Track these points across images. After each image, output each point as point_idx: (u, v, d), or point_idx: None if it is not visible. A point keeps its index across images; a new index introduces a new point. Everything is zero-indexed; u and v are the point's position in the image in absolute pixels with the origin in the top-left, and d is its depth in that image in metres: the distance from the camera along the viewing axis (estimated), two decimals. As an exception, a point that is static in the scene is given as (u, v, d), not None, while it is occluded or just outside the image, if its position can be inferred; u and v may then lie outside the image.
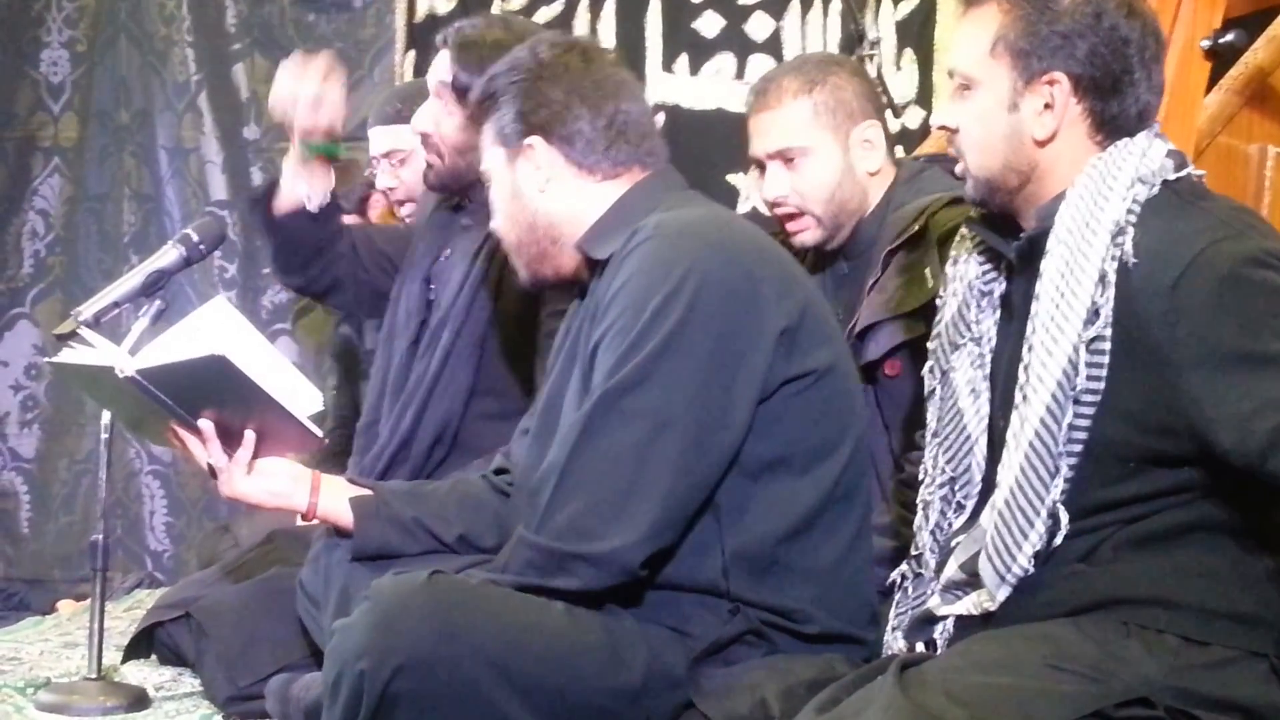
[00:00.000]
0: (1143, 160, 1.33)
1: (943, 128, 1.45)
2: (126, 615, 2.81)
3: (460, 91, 1.96)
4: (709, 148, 3.38)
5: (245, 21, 3.54)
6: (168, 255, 1.94)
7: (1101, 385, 1.28)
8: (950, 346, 1.47)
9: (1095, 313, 1.28)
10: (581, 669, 1.41)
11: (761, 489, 1.49)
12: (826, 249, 2.08)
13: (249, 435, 1.70)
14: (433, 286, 2.11)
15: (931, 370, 1.50)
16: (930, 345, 1.51)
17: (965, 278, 1.47)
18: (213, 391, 1.65)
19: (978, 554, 1.35)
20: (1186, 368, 1.25)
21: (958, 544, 1.41)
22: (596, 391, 1.45)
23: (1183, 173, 1.35)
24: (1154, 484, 1.29)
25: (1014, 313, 1.41)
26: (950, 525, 1.45)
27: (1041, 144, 1.36)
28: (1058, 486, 1.30)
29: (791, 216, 2.03)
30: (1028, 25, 1.35)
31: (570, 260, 1.63)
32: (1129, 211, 1.30)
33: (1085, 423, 1.29)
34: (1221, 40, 2.27)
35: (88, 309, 1.91)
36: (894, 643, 1.46)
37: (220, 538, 2.68)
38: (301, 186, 2.08)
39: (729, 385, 1.44)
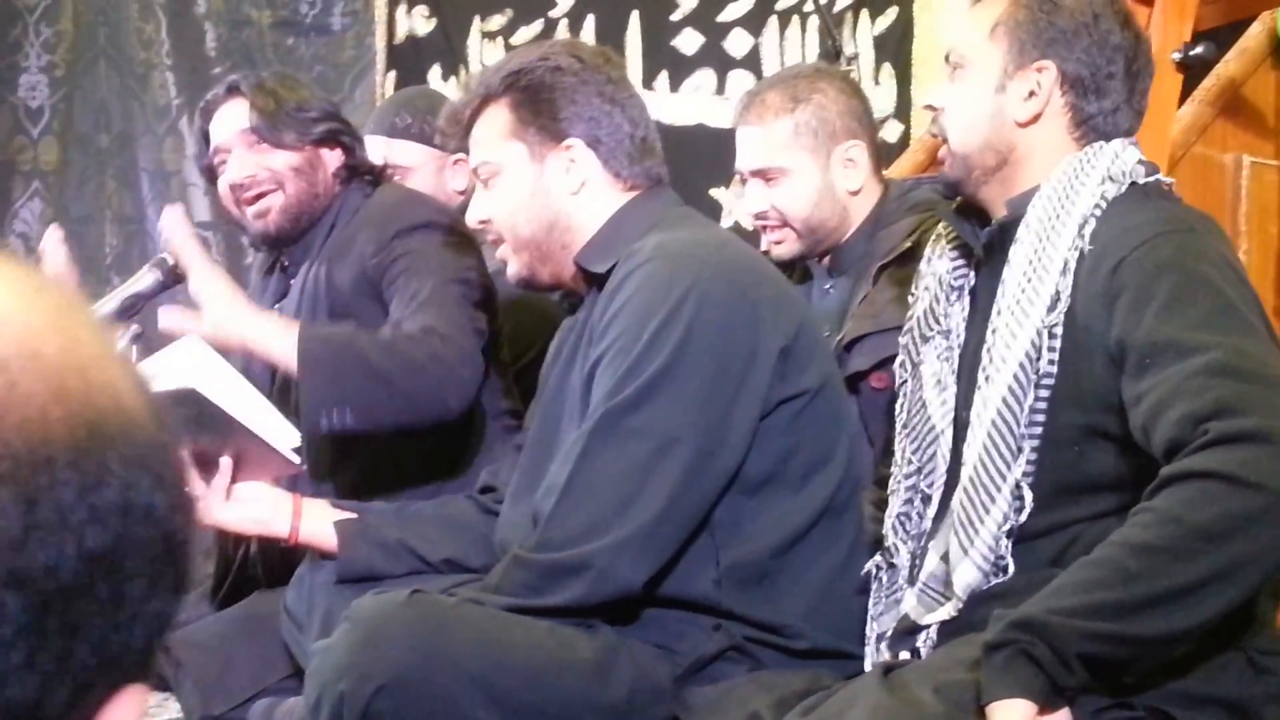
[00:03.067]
0: (1114, 162, 1.38)
1: (928, 107, 1.51)
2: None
3: (259, 131, 1.99)
4: (690, 163, 3.39)
5: (225, 45, 3.54)
6: (144, 280, 1.93)
7: (1055, 370, 1.31)
8: (920, 339, 1.50)
9: (1058, 298, 1.32)
10: (565, 686, 1.41)
11: (757, 504, 1.49)
12: (807, 262, 2.10)
13: (224, 462, 1.70)
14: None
15: (902, 364, 1.52)
16: (901, 340, 1.54)
17: (937, 272, 1.51)
18: (185, 423, 1.64)
19: (945, 556, 1.37)
20: (1119, 342, 1.27)
21: (937, 535, 1.43)
22: (598, 411, 1.45)
23: (1151, 178, 1.38)
24: (1106, 470, 1.31)
25: (980, 305, 1.44)
26: (919, 516, 1.47)
27: (1022, 125, 1.42)
28: (1019, 466, 1.31)
29: (772, 228, 2.06)
30: (1029, 14, 1.41)
31: (571, 268, 1.63)
32: (1096, 206, 1.34)
33: (1043, 405, 1.32)
34: (1192, 53, 2.29)
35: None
36: (877, 652, 1.47)
37: (204, 563, 2.66)
38: None
39: (730, 404, 1.45)
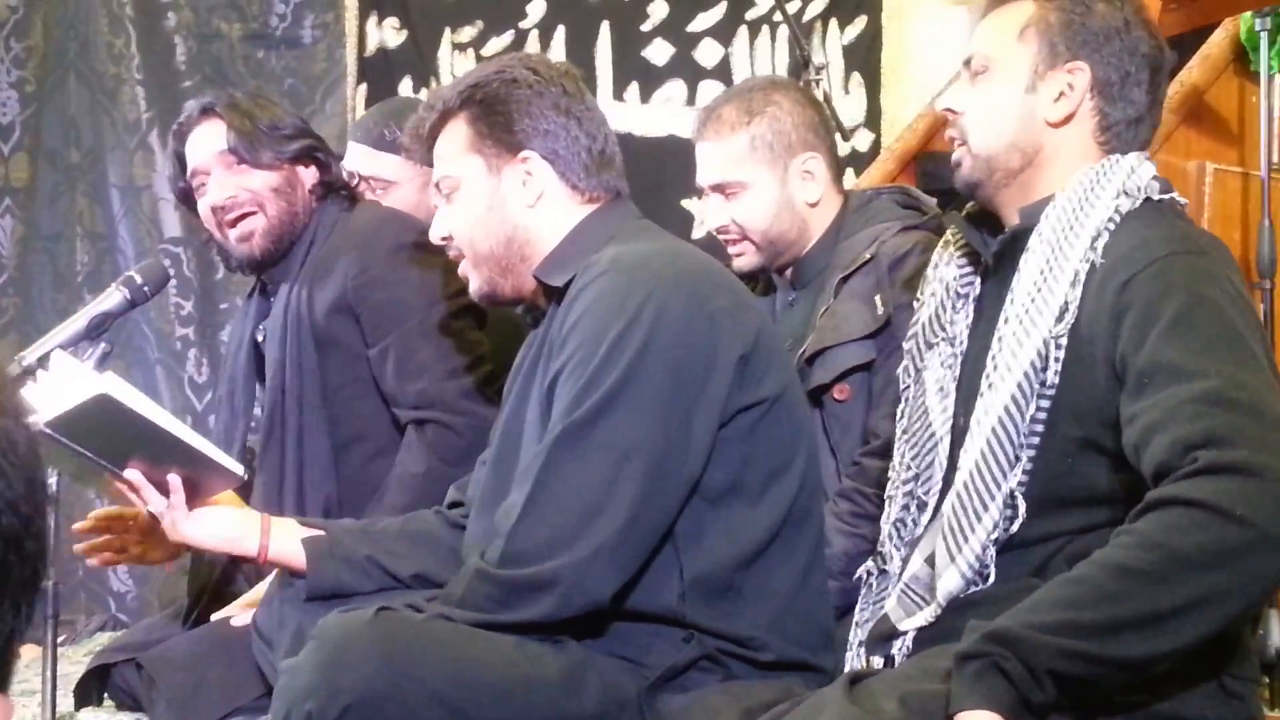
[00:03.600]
0: (1130, 176, 1.38)
1: (948, 110, 1.49)
2: (88, 659, 2.78)
3: (238, 152, 2.00)
4: (662, 174, 3.41)
5: (195, 59, 3.53)
6: (111, 298, 1.91)
7: (1058, 380, 1.32)
8: (925, 346, 1.50)
9: (1065, 310, 1.32)
10: (533, 702, 1.40)
11: (718, 515, 1.49)
12: (769, 274, 2.11)
13: (174, 480, 1.69)
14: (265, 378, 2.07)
15: (906, 369, 1.53)
16: (905, 345, 1.55)
17: (944, 279, 1.51)
18: (119, 437, 1.64)
19: (930, 559, 1.38)
20: (1123, 357, 1.27)
21: (924, 538, 1.43)
22: (558, 426, 1.45)
23: (1167, 195, 1.39)
24: (1098, 484, 1.31)
25: (985, 314, 1.45)
26: (913, 523, 1.47)
27: (1054, 125, 1.42)
28: (1015, 475, 1.32)
29: (732, 242, 2.07)
30: (1063, 15, 1.42)
31: (531, 281, 1.63)
32: (1110, 220, 1.35)
33: (1043, 416, 1.32)
34: (1153, 61, 2.31)
35: (31, 353, 1.89)
36: (855, 657, 1.48)
37: (181, 580, 2.65)
38: None
39: (689, 413, 1.45)
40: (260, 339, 2.11)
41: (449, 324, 2.00)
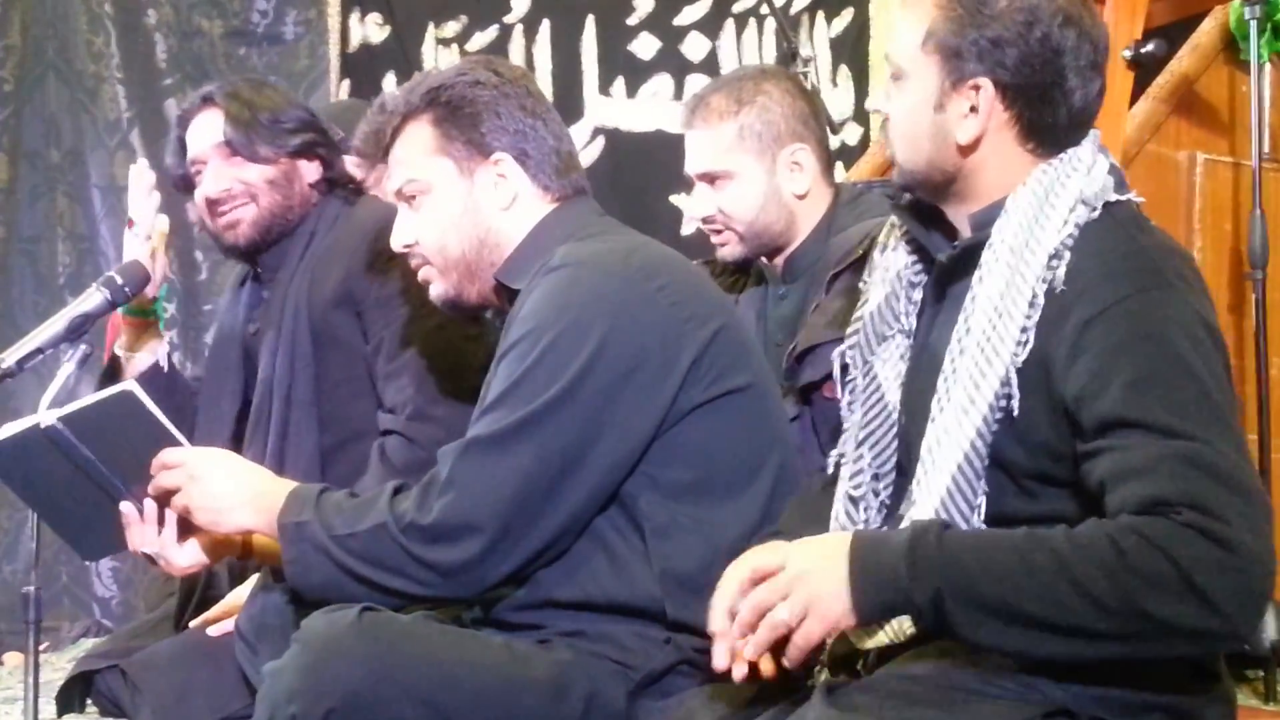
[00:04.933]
0: (1088, 179, 1.31)
1: (877, 111, 1.43)
2: (70, 666, 2.75)
3: (234, 144, 1.98)
4: (649, 169, 3.38)
5: (176, 57, 3.50)
6: (91, 299, 1.88)
7: (1016, 407, 1.26)
8: (876, 338, 1.44)
9: (1025, 334, 1.26)
10: (519, 704, 1.39)
11: (684, 511, 1.48)
12: (762, 267, 2.09)
13: (169, 515, 1.62)
14: (259, 366, 2.03)
15: (853, 360, 1.45)
16: (849, 332, 1.47)
17: (894, 267, 1.44)
18: (131, 447, 1.60)
19: None
20: (1077, 400, 1.23)
21: None
22: (486, 422, 1.45)
23: (1124, 196, 1.32)
24: (1050, 505, 1.28)
25: (938, 313, 1.39)
26: (872, 526, 1.42)
27: (965, 149, 1.34)
28: (982, 505, 1.28)
29: (716, 231, 2.05)
30: (958, 26, 1.32)
31: (495, 284, 1.61)
32: (1069, 235, 1.28)
33: (991, 438, 1.27)
34: (1143, 50, 2.30)
35: (11, 355, 1.86)
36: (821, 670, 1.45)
37: (165, 585, 2.63)
38: (136, 345, 2.06)
39: (620, 412, 1.44)
40: (252, 330, 2.07)
41: (445, 323, 1.95)
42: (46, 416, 1.60)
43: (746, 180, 2.01)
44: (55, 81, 3.54)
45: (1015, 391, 1.26)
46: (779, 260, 2.07)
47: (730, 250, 2.05)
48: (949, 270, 1.38)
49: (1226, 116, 2.66)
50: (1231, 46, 2.62)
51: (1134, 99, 2.45)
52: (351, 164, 2.19)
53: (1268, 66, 2.59)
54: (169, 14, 3.49)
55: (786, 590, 1.21)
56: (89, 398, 1.60)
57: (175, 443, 1.60)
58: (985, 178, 1.35)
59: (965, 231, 1.37)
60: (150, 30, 3.50)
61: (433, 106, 1.58)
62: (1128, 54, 2.30)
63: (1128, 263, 1.26)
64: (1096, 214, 1.29)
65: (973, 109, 1.33)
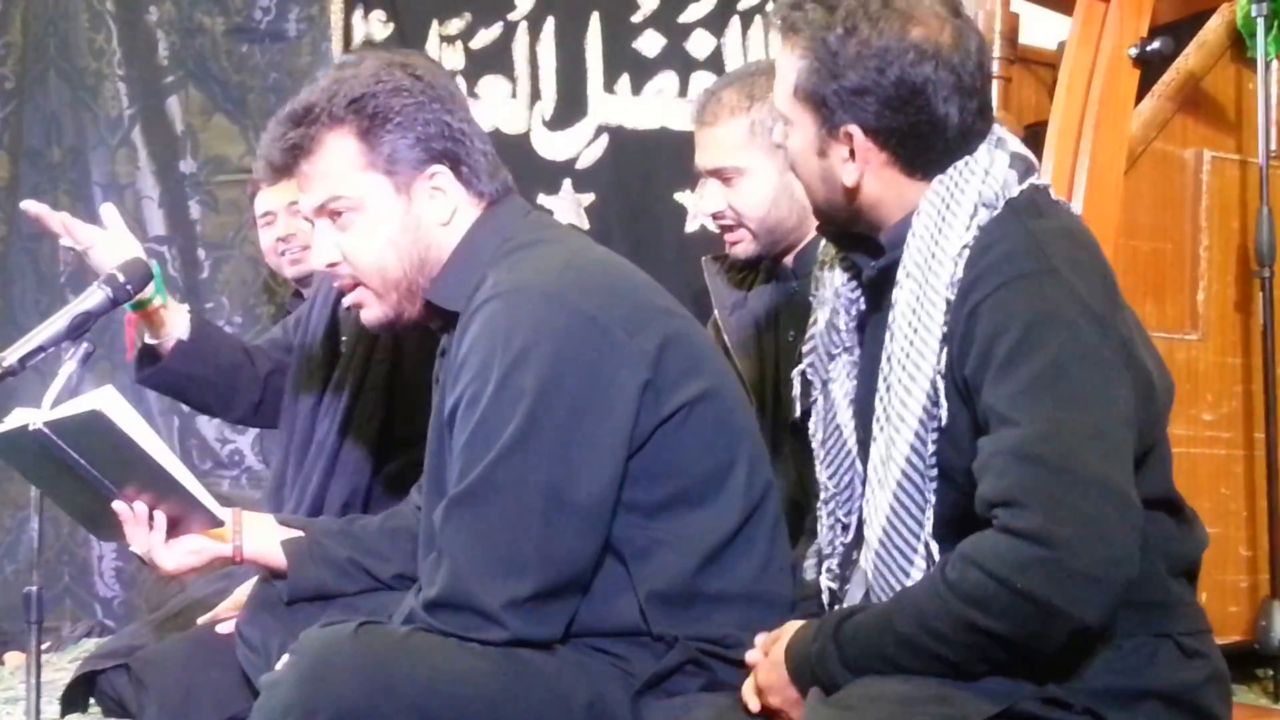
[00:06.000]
0: (985, 182, 1.30)
1: (779, 145, 1.43)
2: (73, 666, 2.74)
3: None
4: (654, 167, 3.37)
5: (177, 54, 3.48)
6: (93, 297, 1.87)
7: (946, 413, 1.28)
8: (826, 356, 1.45)
9: (945, 341, 1.27)
10: (518, 714, 1.37)
11: (662, 528, 1.46)
12: (769, 262, 2.08)
13: (159, 517, 1.64)
14: (344, 339, 2.05)
15: (813, 378, 1.47)
16: (805, 350, 1.49)
17: (834, 284, 1.46)
18: (112, 456, 1.60)
19: (867, 594, 1.35)
20: (976, 387, 1.25)
21: (847, 590, 1.41)
22: (459, 479, 1.41)
23: (1025, 185, 1.31)
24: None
25: (875, 326, 1.40)
26: (837, 545, 1.44)
27: (851, 191, 1.34)
28: (929, 519, 1.29)
29: (729, 229, 2.04)
30: (819, 79, 1.31)
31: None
32: (973, 238, 1.28)
33: (933, 447, 1.28)
34: (1149, 48, 2.29)
35: (12, 353, 1.86)
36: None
37: (168, 584, 2.62)
38: (160, 333, 2.08)
39: (588, 445, 1.39)
40: (341, 314, 2.07)
41: None
42: (35, 419, 1.60)
43: (758, 176, 1.99)
44: (56, 79, 3.52)
45: (943, 400, 1.26)
46: (790, 257, 2.07)
47: (744, 248, 2.03)
48: (878, 285, 1.38)
49: (1233, 114, 2.64)
50: (1238, 44, 2.61)
51: (1140, 97, 2.43)
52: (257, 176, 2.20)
53: (1275, 64, 2.58)
54: (170, 11, 3.47)
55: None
56: (71, 405, 1.59)
57: (150, 461, 1.59)
58: (884, 209, 1.35)
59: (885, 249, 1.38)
60: (152, 27, 3.48)
61: (358, 117, 1.49)
62: (1134, 51, 2.28)
63: (1014, 245, 1.26)
64: (998, 211, 1.29)
65: (852, 153, 1.32)
